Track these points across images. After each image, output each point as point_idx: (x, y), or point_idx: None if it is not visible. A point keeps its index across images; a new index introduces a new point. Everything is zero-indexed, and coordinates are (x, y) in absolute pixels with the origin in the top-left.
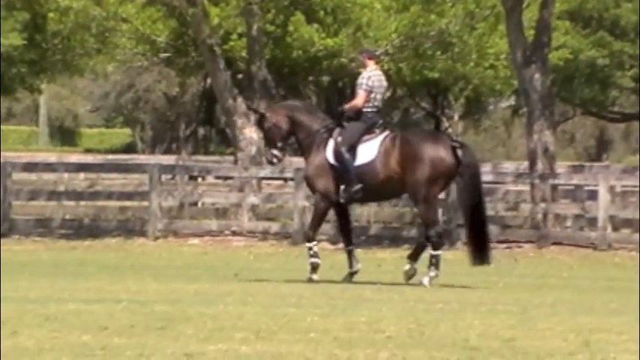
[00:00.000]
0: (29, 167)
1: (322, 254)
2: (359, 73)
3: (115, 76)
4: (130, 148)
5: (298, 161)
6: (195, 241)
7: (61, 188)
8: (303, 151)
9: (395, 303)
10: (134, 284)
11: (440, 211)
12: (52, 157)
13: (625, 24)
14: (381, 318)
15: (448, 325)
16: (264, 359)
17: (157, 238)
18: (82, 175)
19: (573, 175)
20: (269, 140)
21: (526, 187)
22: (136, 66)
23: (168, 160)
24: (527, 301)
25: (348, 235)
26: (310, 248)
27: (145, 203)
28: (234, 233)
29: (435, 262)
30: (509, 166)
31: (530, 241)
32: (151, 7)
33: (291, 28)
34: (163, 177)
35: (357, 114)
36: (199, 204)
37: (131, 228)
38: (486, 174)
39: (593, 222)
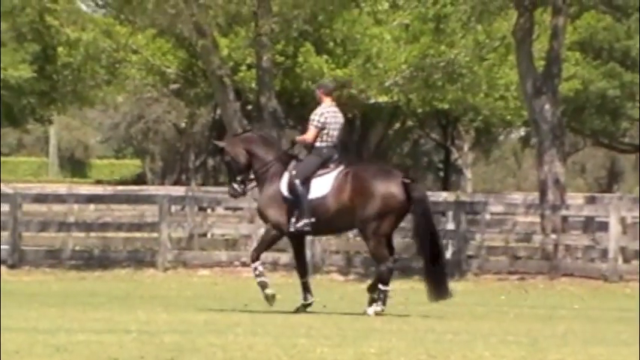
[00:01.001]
0: (39, 198)
1: (332, 285)
2: (369, 104)
3: (125, 107)
4: (139, 179)
5: None
6: (205, 271)
7: (71, 219)
8: (258, 182)
9: (405, 333)
10: (144, 315)
11: (449, 242)
12: (62, 189)
13: (636, 55)
14: (391, 349)
15: (458, 356)
16: None
17: (166, 269)
18: (92, 207)
19: (584, 206)
20: (229, 174)
21: (536, 219)
22: (146, 97)
23: (178, 191)
24: (538, 331)
25: (303, 266)
26: (255, 268)
27: (155, 234)
28: (243, 264)
29: (382, 297)
30: (519, 197)
31: (541, 273)
32: (160, 39)
33: (300, 58)
34: (173, 208)
35: (311, 149)
36: (209, 235)
37: (141, 259)
38: (495, 205)
39: (604, 253)
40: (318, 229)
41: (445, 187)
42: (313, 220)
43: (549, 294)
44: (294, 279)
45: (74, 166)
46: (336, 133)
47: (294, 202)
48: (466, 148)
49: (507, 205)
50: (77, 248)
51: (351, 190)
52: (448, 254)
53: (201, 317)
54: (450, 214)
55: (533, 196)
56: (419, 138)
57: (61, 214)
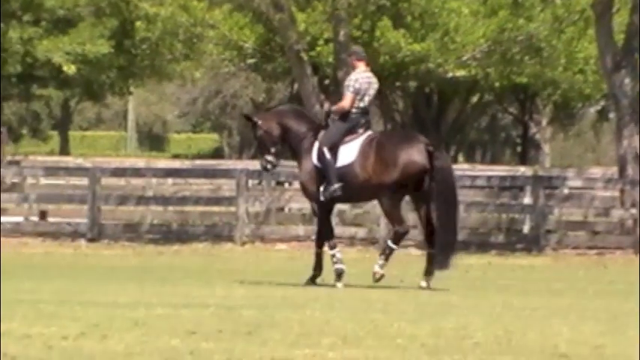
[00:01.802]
0: (118, 172)
1: (409, 260)
2: (447, 78)
3: (203, 82)
4: (217, 154)
5: None
6: (282, 246)
7: (150, 193)
8: (295, 156)
9: (482, 309)
10: (222, 289)
11: (527, 217)
12: (140, 163)
13: None
14: (468, 324)
15: (536, 332)
16: None
17: (244, 244)
18: (170, 181)
19: None
20: (262, 147)
21: (616, 193)
22: (224, 72)
23: (255, 165)
24: (617, 308)
25: (325, 237)
26: (334, 255)
27: (233, 208)
28: None
29: (387, 253)
30: (597, 172)
31: (620, 248)
32: (238, 14)
33: (378, 33)
34: (250, 182)
35: (344, 116)
36: (286, 209)
37: (218, 233)
38: (573, 179)
39: None
40: (347, 197)
41: (523, 161)
42: (342, 184)
43: (629, 269)
44: (371, 254)
45: (152, 140)
46: (367, 98)
47: (323, 170)
48: (544, 122)
49: (586, 180)
50: (155, 222)
51: (374, 157)
52: (526, 229)
53: (278, 292)
54: (528, 188)
55: (613, 171)
56: (496, 113)
57: (139, 188)
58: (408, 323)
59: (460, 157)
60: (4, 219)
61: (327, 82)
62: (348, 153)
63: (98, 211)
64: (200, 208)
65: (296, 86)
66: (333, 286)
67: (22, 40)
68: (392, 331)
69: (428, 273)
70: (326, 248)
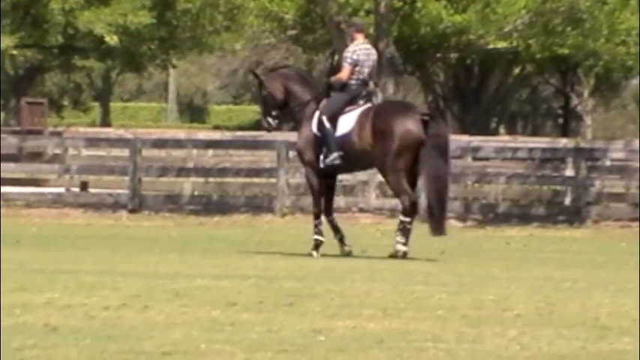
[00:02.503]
0: (159, 144)
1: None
2: (488, 50)
3: (243, 54)
4: (257, 125)
5: None
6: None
7: (190, 165)
8: (295, 121)
9: (523, 281)
10: (262, 260)
11: (568, 189)
12: (181, 134)
13: None
14: (509, 296)
15: (577, 304)
16: (391, 336)
17: (284, 215)
18: (210, 152)
19: None
20: (265, 107)
21: None
22: (264, 43)
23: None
24: None
25: (330, 206)
26: (316, 225)
27: (273, 180)
28: (361, 210)
29: (402, 228)
30: None
31: None
32: None
33: (419, 4)
34: (291, 154)
35: (343, 87)
36: None
37: (259, 204)
38: (618, 151)
39: None
40: (346, 166)
41: (565, 133)
42: (342, 153)
43: None
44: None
45: (193, 111)
46: (367, 70)
47: (323, 138)
48: (586, 94)
49: (628, 152)
50: (196, 193)
51: (370, 127)
52: (567, 201)
53: (318, 263)
54: (570, 160)
55: None
56: (538, 84)
57: (179, 159)
58: (449, 295)
59: (501, 129)
60: (45, 190)
61: None
62: (347, 123)
63: (139, 182)
64: (240, 180)
65: (336, 58)
66: (378, 257)
67: (64, 11)
68: (432, 303)
69: (400, 230)
70: (324, 218)
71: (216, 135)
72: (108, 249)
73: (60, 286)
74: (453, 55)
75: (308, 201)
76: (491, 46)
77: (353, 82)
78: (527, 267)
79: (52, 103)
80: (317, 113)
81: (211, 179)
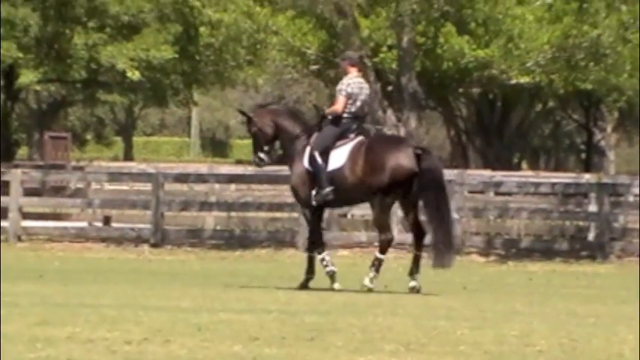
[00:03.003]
0: (181, 178)
1: (472, 267)
2: (511, 85)
3: (266, 88)
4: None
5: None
6: (345, 252)
7: (212, 199)
8: (287, 157)
9: (546, 316)
10: (284, 295)
11: (592, 225)
12: (203, 168)
13: None
14: (532, 331)
15: (601, 340)
16: None
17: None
18: (232, 186)
19: None
20: (255, 143)
21: None
22: (287, 78)
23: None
24: None
25: (321, 244)
26: (323, 259)
27: (295, 214)
28: None
29: (376, 265)
30: None
31: None
32: (301, 20)
33: (441, 39)
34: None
35: (334, 120)
36: (349, 215)
37: (281, 239)
38: (638, 186)
39: None
40: (338, 200)
41: (587, 168)
42: (333, 188)
43: None
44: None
45: (215, 146)
46: (359, 103)
47: (314, 174)
48: (609, 129)
49: None
50: (218, 228)
51: (363, 162)
52: (590, 236)
53: (341, 298)
54: (593, 195)
55: None
56: (561, 119)
57: (202, 193)
58: (471, 330)
59: (524, 164)
60: (68, 224)
61: (390, 88)
62: (339, 157)
63: (161, 216)
64: (262, 214)
65: None
66: (400, 292)
67: (87, 45)
68: (455, 338)
69: (412, 273)
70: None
71: (239, 169)
72: (130, 283)
73: (82, 320)
74: (476, 90)
75: (331, 235)
76: (513, 81)
77: (345, 115)
78: (550, 302)
79: (75, 137)
80: (308, 148)
81: (233, 213)
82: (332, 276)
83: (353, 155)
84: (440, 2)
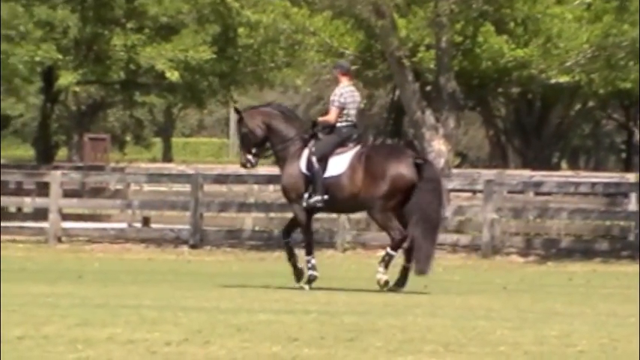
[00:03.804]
0: (220, 179)
1: (512, 267)
2: (550, 84)
3: (304, 89)
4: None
5: (488, 173)
6: (383, 253)
7: (251, 200)
8: (278, 159)
9: (586, 317)
10: (323, 295)
11: (632, 225)
12: (242, 169)
13: None
14: (572, 332)
15: None
16: None
17: (345, 250)
18: (271, 187)
19: None
20: (244, 144)
21: None
22: (325, 79)
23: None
24: None
25: (310, 244)
26: (309, 261)
27: (334, 215)
28: None
29: (387, 260)
30: None
31: None
32: (338, 20)
33: (480, 39)
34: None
35: (331, 129)
36: None
37: (320, 240)
38: None
39: None
40: (333, 207)
41: (627, 168)
42: (326, 197)
43: None
44: (474, 261)
45: None
46: (353, 112)
47: (311, 179)
48: None
49: None
50: (257, 228)
51: (363, 171)
52: (631, 236)
53: (380, 298)
54: (633, 195)
55: None
56: (600, 119)
57: (241, 194)
58: (511, 330)
59: (563, 164)
60: (107, 225)
61: (428, 88)
62: (338, 165)
63: (200, 217)
64: None
65: (397, 93)
66: (439, 292)
67: (126, 47)
68: (494, 338)
69: (399, 284)
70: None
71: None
72: (169, 284)
73: (122, 321)
74: (515, 90)
75: (369, 236)
76: (553, 81)
77: (343, 124)
78: (591, 303)
79: (114, 138)
80: (305, 152)
81: (272, 214)
82: (311, 281)
83: (353, 164)
84: (478, 2)
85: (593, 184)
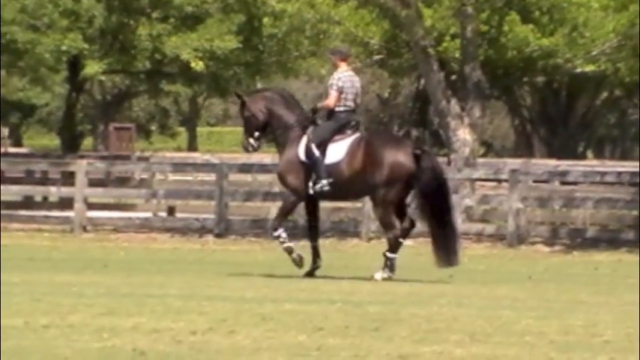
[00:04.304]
0: (245, 168)
1: (537, 257)
2: (575, 74)
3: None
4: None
5: (513, 163)
6: (409, 242)
7: (276, 189)
8: (277, 144)
9: (612, 307)
10: (348, 285)
11: None
12: (266, 159)
13: None
14: (597, 322)
15: None
16: None
17: (370, 239)
18: None
19: None
20: (247, 128)
21: None
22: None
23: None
24: None
25: (315, 232)
26: (279, 236)
27: (359, 205)
28: None
29: (389, 265)
30: None
31: None
32: (363, 10)
33: (505, 28)
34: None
35: (330, 114)
36: (413, 205)
37: (345, 229)
38: None
39: None
40: (333, 194)
41: None
42: (331, 180)
43: None
44: (499, 250)
45: None
46: (350, 97)
47: (311, 166)
48: None
49: None
50: None
51: (362, 157)
52: None
53: (404, 288)
54: None
55: None
56: (626, 108)
57: (266, 183)
58: (536, 320)
59: (589, 153)
60: (133, 214)
61: (453, 77)
62: (336, 151)
63: (225, 206)
64: (326, 204)
65: (422, 82)
66: (464, 282)
67: (151, 36)
68: (520, 328)
69: (387, 267)
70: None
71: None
72: (194, 273)
73: (147, 310)
74: (540, 79)
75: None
76: (578, 70)
77: (341, 109)
78: (616, 292)
79: (139, 128)
80: (304, 139)
81: None
82: (291, 251)
83: (352, 150)
84: None
85: (619, 174)
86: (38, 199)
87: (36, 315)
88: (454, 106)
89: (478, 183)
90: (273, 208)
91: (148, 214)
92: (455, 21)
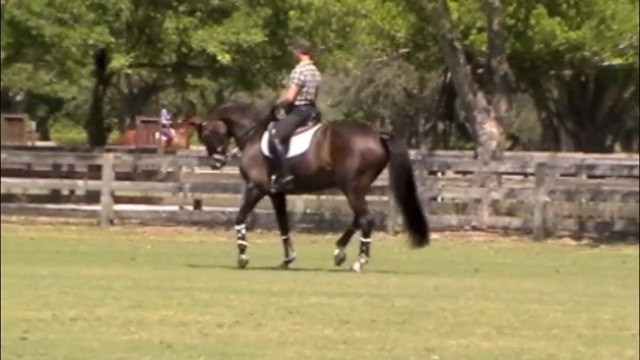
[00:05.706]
0: None
1: (564, 250)
2: (603, 67)
3: (355, 71)
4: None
5: (540, 156)
6: (435, 235)
7: None
8: (240, 147)
9: None
10: (374, 278)
11: None
12: None
13: None
14: (626, 315)
15: None
16: (505, 355)
17: (396, 233)
18: None
19: None
20: (208, 147)
21: None
22: (376, 61)
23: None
24: None
25: (284, 224)
26: (239, 231)
27: (385, 198)
28: (474, 228)
29: (365, 250)
30: None
31: None
32: (390, 3)
33: (532, 21)
34: None
35: (291, 108)
36: (439, 199)
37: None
38: None
39: None
40: (299, 187)
41: None
42: (293, 177)
43: None
44: (525, 243)
45: None
46: (312, 90)
47: (274, 161)
48: None
49: None
50: (308, 211)
51: (329, 147)
52: None
53: (431, 281)
54: None
55: None
56: None
57: None
58: (564, 313)
59: (617, 146)
60: (159, 208)
61: (480, 71)
62: (300, 143)
63: None
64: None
65: (449, 75)
66: (491, 276)
67: (178, 30)
68: (547, 322)
69: (340, 243)
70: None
71: None
72: (221, 266)
73: (174, 303)
74: (568, 72)
75: None
76: (606, 63)
77: (302, 102)
78: None
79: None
80: (265, 134)
81: (323, 197)
82: (242, 249)
83: (317, 140)
84: None
85: None
86: (65, 192)
87: (63, 308)
88: (481, 99)
89: (505, 176)
90: (298, 202)
91: (175, 208)
92: (481, 14)
